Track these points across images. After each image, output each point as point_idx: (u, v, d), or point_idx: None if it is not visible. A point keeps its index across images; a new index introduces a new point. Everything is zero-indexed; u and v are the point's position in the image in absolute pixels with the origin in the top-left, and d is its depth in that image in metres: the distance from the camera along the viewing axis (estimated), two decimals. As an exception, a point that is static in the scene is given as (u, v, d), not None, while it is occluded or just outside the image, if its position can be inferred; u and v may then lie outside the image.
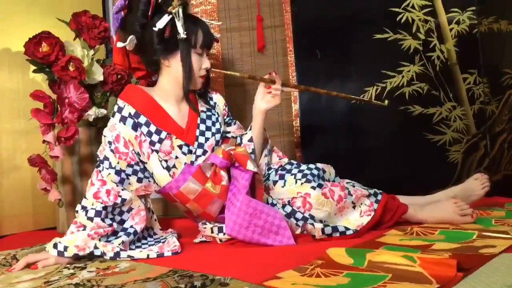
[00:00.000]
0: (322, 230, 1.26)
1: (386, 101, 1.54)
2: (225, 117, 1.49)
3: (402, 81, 2.01)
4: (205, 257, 1.18)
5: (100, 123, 1.76)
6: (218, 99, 1.48)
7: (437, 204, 1.42)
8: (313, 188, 1.31)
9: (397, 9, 1.98)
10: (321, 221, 1.30)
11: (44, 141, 1.49)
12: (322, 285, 0.84)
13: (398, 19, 1.98)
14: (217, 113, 1.44)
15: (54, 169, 1.59)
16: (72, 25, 1.63)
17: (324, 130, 2.08)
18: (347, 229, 1.28)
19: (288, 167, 1.44)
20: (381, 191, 1.41)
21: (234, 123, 1.52)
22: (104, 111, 1.68)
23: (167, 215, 2.02)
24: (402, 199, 1.50)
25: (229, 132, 1.48)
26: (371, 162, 2.04)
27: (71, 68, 1.52)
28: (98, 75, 1.67)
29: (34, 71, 1.62)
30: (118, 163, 1.28)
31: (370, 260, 0.95)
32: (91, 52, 1.66)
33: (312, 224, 1.27)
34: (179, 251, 1.24)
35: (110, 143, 1.29)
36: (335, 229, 1.27)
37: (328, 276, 0.90)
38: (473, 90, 1.98)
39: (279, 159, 1.50)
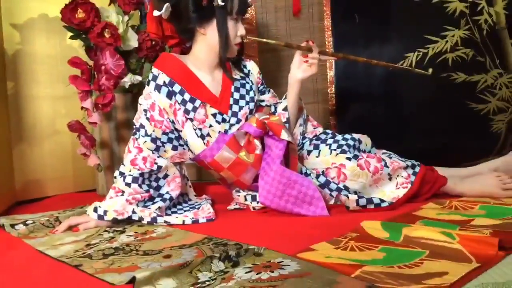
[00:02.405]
0: (357, 201, 1.25)
1: (430, 70, 1.47)
2: (259, 85, 1.47)
3: (446, 46, 1.90)
4: (238, 225, 1.19)
5: (136, 89, 1.78)
6: (252, 66, 1.46)
7: (478, 177, 1.37)
8: (348, 159, 1.28)
9: (443, -31, 1.85)
10: (355, 192, 1.29)
11: (82, 108, 1.52)
12: (357, 259, 0.84)
13: (444, -21, 1.86)
14: (251, 81, 1.41)
15: (93, 135, 1.62)
16: (107, -11, 1.62)
17: (360, 97, 2.02)
18: (382, 201, 1.26)
19: (323, 136, 1.42)
20: (419, 162, 1.37)
21: (268, 91, 1.49)
22: (139, 78, 1.69)
23: (201, 180, 2.05)
24: (441, 171, 1.46)
25: (263, 101, 1.46)
26: (409, 131, 1.97)
27: (106, 35, 1.52)
28: (133, 41, 1.67)
29: (71, 37, 1.64)
30: (153, 131, 1.29)
31: (407, 235, 0.93)
32: (126, 18, 1.65)
33: (346, 195, 1.26)
34: (213, 218, 1.27)
35: (145, 111, 1.30)
36: (369, 200, 1.25)
37: (363, 250, 0.90)
38: (523, 56, 1.85)
39: (314, 128, 1.47)
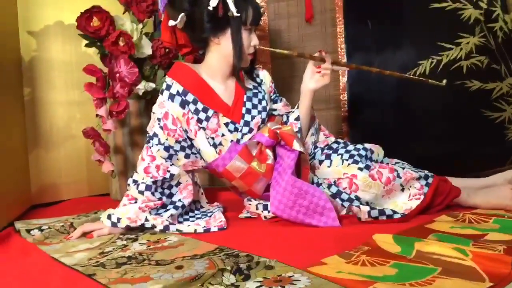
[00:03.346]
0: (368, 212, 1.24)
1: (444, 81, 1.46)
2: (271, 94, 1.47)
3: (460, 53, 1.88)
4: (250, 234, 1.20)
5: (149, 96, 1.80)
6: (264, 75, 1.46)
7: (493, 189, 1.36)
8: (360, 169, 1.28)
9: (457, -24, 1.83)
10: (367, 203, 1.28)
11: (97, 115, 1.54)
12: (368, 275, 0.84)
13: (458, -14, 1.84)
14: (264, 90, 1.42)
15: (107, 141, 1.65)
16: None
17: (372, 104, 2.00)
18: (394, 212, 1.26)
19: (334, 146, 1.42)
20: (432, 173, 1.36)
21: (281, 100, 1.50)
22: (153, 85, 1.70)
23: (213, 185, 2.06)
24: (455, 181, 1.45)
25: (275, 110, 1.47)
26: (422, 139, 1.95)
27: (121, 43, 1.54)
28: (147, 49, 1.69)
29: (86, 45, 1.66)
30: (167, 139, 1.31)
31: (419, 250, 0.93)
32: (140, 26, 1.67)
33: (358, 206, 1.26)
34: (225, 227, 1.27)
35: (159, 120, 1.31)
36: (381, 212, 1.25)
37: (374, 265, 0.89)
38: (539, 64, 1.83)
39: (326, 137, 1.47)
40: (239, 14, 1.25)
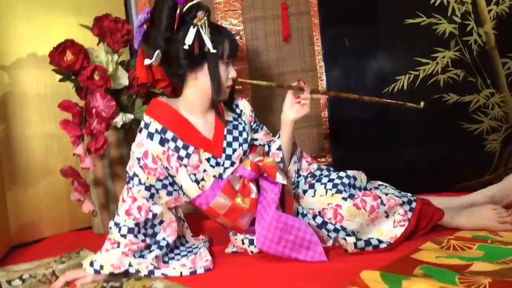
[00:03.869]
0: (355, 244, 1.24)
1: (422, 103, 1.47)
2: (252, 124, 1.46)
3: (437, 68, 1.90)
4: (236, 276, 1.18)
5: (128, 125, 1.77)
6: (244, 105, 1.45)
7: (475, 209, 1.37)
8: (344, 199, 1.28)
9: (430, -9, 1.86)
10: (353, 232, 1.28)
11: (74, 154, 1.51)
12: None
13: (432, 1, 1.86)
14: (244, 121, 1.41)
15: (86, 180, 1.61)
16: (95, 30, 1.61)
17: (353, 120, 2.01)
18: (380, 242, 1.26)
19: (317, 173, 1.41)
20: (415, 197, 1.36)
21: (261, 128, 1.49)
22: (131, 116, 1.68)
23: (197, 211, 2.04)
24: (437, 200, 1.46)
25: (256, 140, 1.46)
26: (403, 153, 1.97)
27: (96, 77, 1.51)
28: (123, 79, 1.66)
29: (60, 80, 1.62)
30: (147, 178, 1.28)
31: (406, 289, 0.93)
32: (115, 56, 1.64)
33: (344, 239, 1.25)
34: (211, 267, 1.26)
35: (138, 159, 1.28)
36: (367, 243, 1.25)
37: (363, 309, 0.89)
38: (513, 76, 1.86)
39: (309, 164, 1.47)
40: (215, 51, 1.23)
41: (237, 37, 1.34)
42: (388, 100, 1.50)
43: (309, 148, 2.12)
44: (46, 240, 1.77)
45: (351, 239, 1.25)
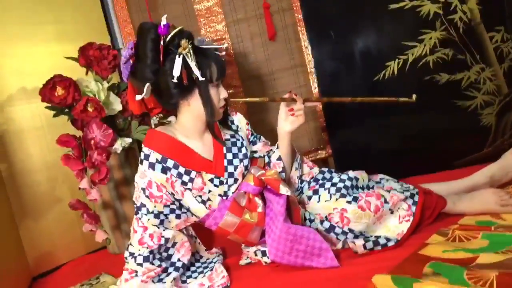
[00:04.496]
0: (364, 246, 1.28)
1: (414, 96, 1.49)
2: (250, 137, 1.48)
3: (425, 49, 1.91)
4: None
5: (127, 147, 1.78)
6: (239, 120, 1.46)
7: (476, 194, 1.40)
8: (349, 202, 1.31)
9: (411, -27, 1.84)
10: (361, 233, 1.32)
11: (80, 188, 1.53)
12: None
13: (413, -17, 1.85)
14: (241, 137, 1.43)
15: (96, 209, 1.64)
16: (81, 61, 1.61)
17: (347, 110, 2.03)
18: (388, 239, 1.30)
19: (320, 177, 1.44)
20: (417, 190, 1.39)
21: (259, 139, 1.51)
22: (129, 140, 1.69)
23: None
24: (438, 187, 1.50)
25: (255, 152, 1.48)
26: (400, 136, 2.00)
27: (90, 109, 1.52)
28: (116, 105, 1.67)
29: (55, 115, 1.63)
30: (155, 206, 1.31)
31: (417, 293, 0.97)
32: (105, 83, 1.65)
33: (353, 242, 1.29)
34: (228, 284, 1.30)
35: (143, 189, 1.31)
36: (376, 243, 1.29)
37: (378, 319, 0.93)
38: (501, 48, 1.87)
39: (310, 169, 1.49)
40: (204, 78, 1.24)
41: (223, 53, 1.34)
42: (380, 98, 1.51)
43: (308, 142, 2.15)
44: (65, 267, 1.82)
45: (359, 241, 1.28)
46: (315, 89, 2.04)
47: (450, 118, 1.95)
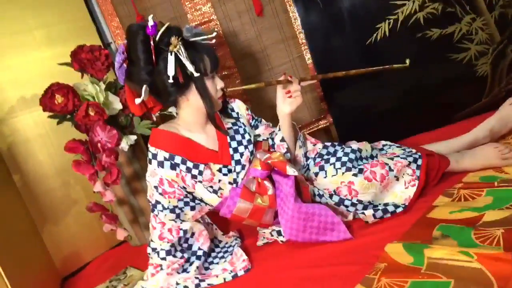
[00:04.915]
0: (373, 215, 1.33)
1: (408, 61, 1.49)
2: (251, 121, 1.51)
3: (414, 6, 1.89)
4: (275, 274, 1.28)
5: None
6: (238, 107, 1.49)
7: (477, 150, 1.44)
8: (355, 175, 1.35)
9: None
10: (370, 202, 1.37)
11: (94, 192, 1.58)
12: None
13: None
14: (243, 123, 1.45)
15: (112, 211, 1.69)
16: (75, 66, 1.62)
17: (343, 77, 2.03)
18: (396, 206, 1.34)
19: (324, 152, 1.47)
20: (419, 153, 1.43)
21: (260, 122, 1.53)
22: (134, 137, 1.72)
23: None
24: (439, 146, 1.53)
25: (259, 135, 1.51)
26: (397, 95, 2.01)
27: (91, 113, 1.55)
28: (116, 104, 1.69)
29: (58, 123, 1.65)
30: (169, 202, 1.36)
31: (429, 257, 1.03)
32: (102, 84, 1.66)
33: (363, 213, 1.34)
34: (249, 267, 1.36)
35: (156, 187, 1.35)
36: (385, 211, 1.34)
37: (393, 287, 0.99)
38: (491, -4, 1.85)
39: (313, 145, 1.52)
40: (198, 74, 1.25)
41: (214, 34, 1.33)
42: (374, 68, 1.52)
43: (309, 113, 2.17)
44: (91, 264, 1.90)
45: (369, 212, 1.33)
46: (309, 59, 2.04)
47: (446, 72, 1.96)
